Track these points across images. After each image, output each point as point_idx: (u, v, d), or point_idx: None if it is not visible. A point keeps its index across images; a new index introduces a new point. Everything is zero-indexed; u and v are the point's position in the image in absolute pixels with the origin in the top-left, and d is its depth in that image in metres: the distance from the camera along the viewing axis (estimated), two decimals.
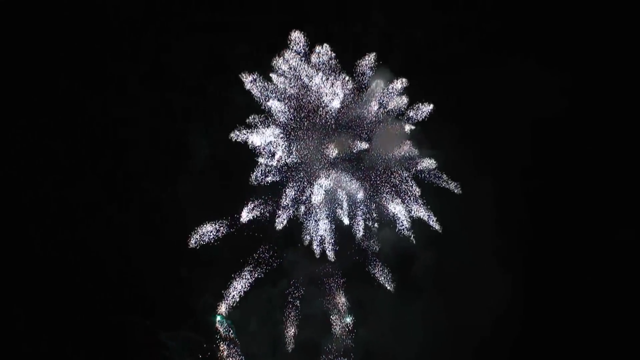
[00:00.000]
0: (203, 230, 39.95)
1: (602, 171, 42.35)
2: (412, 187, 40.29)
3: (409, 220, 40.31)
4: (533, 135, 42.38)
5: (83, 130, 41.65)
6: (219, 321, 40.98)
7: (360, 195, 39.64)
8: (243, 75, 39.70)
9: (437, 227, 40.60)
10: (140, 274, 40.71)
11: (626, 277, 41.55)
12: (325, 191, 39.09)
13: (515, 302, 41.10)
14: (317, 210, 39.91)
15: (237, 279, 40.57)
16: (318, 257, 40.16)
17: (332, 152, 39.15)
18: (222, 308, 40.74)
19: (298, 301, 41.10)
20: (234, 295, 40.53)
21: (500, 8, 42.68)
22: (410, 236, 40.47)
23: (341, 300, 41.21)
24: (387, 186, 40.53)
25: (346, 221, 39.62)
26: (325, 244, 40.14)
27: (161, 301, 40.96)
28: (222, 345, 40.98)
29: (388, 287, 40.86)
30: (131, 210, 41.75)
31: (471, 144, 41.69)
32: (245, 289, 40.61)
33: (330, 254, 40.20)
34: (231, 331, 41.06)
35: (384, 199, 40.46)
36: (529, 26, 43.01)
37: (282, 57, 39.62)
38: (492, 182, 41.26)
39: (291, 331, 40.77)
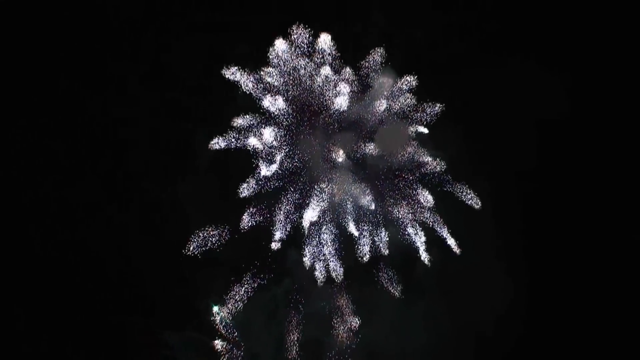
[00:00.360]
0: (203, 235, 39.87)
1: (605, 172, 42.27)
2: (422, 195, 39.95)
3: (421, 237, 40.11)
4: (536, 136, 42.20)
5: (83, 130, 41.67)
6: (215, 311, 40.69)
7: (368, 202, 38.89)
8: (232, 71, 39.66)
9: (454, 245, 40.25)
10: (140, 274, 40.66)
11: (628, 277, 41.51)
12: (323, 204, 38.80)
13: (518, 303, 41.00)
14: (318, 228, 39.41)
15: (239, 285, 40.45)
16: (321, 284, 39.73)
17: (338, 155, 38.92)
18: (224, 312, 40.64)
19: (301, 304, 40.96)
20: (236, 301, 40.42)
21: (500, 8, 42.62)
22: (422, 255, 40.27)
23: (344, 302, 41.01)
24: (395, 193, 40.06)
25: (355, 232, 39.11)
26: (330, 266, 39.61)
27: (164, 301, 40.88)
28: (219, 343, 40.80)
29: (394, 292, 40.64)
30: (131, 210, 41.68)
31: (474, 144, 41.43)
32: (247, 295, 40.48)
33: (338, 276, 39.68)
34: (236, 333, 40.94)
35: (392, 208, 39.96)
36: (529, 26, 42.90)
37: (281, 50, 39.62)
38: (495, 183, 41.06)
39: (295, 331, 40.63)
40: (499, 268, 41.18)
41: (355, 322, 40.89)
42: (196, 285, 40.96)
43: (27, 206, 40.79)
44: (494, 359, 41.37)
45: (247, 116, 39.71)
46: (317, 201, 38.48)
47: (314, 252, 39.44)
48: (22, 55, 41.02)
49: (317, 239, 39.43)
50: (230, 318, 40.61)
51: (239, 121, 39.49)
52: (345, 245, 39.92)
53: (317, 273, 39.51)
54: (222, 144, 39.50)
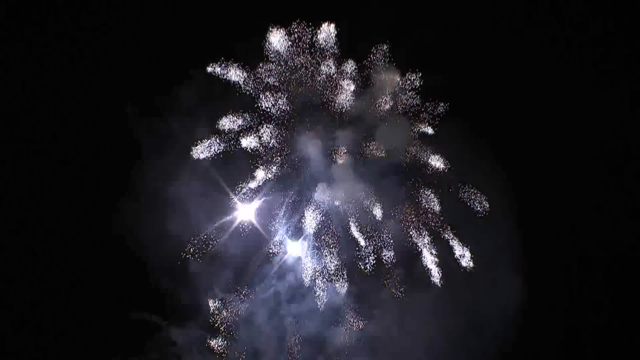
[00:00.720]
0: (204, 237, 39.96)
1: (612, 172, 41.98)
2: (425, 195, 39.67)
3: (425, 237, 39.93)
4: (540, 133, 41.70)
5: (84, 130, 41.52)
6: (216, 307, 40.93)
7: (372, 204, 38.89)
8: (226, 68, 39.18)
9: (468, 263, 40.09)
10: (142, 272, 40.67)
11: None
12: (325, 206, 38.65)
13: (524, 301, 40.57)
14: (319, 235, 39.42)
15: (240, 285, 40.66)
16: (322, 308, 39.84)
17: (340, 155, 38.59)
18: (226, 311, 40.86)
19: (303, 300, 41.09)
20: (238, 301, 40.68)
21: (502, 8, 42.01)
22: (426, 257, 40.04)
23: (347, 300, 41.09)
24: (398, 193, 39.85)
25: (362, 242, 39.17)
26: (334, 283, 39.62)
27: (167, 299, 41.04)
28: (221, 340, 41.01)
29: (396, 293, 40.62)
30: (134, 207, 41.56)
31: (478, 142, 40.31)
32: (249, 294, 40.71)
33: (343, 289, 39.85)
34: (237, 330, 41.19)
35: (395, 208, 39.74)
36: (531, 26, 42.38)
37: (278, 42, 39.13)
38: (500, 184, 40.56)
39: (297, 327, 40.88)
40: (505, 265, 40.81)
41: (358, 323, 41.01)
42: (199, 283, 41.07)
43: (27, 205, 40.63)
44: (497, 357, 41.36)
45: (246, 115, 39.55)
46: (317, 205, 38.51)
47: (315, 266, 39.58)
48: (22, 55, 40.73)
49: (317, 250, 39.54)
50: (232, 316, 40.85)
51: (235, 122, 39.28)
52: (346, 241, 40.11)
53: (317, 297, 39.70)
54: (209, 152, 39.41)
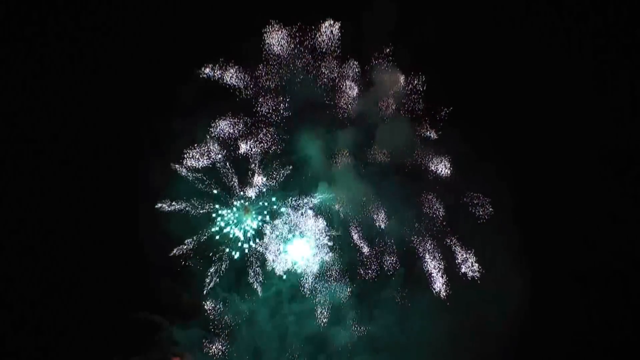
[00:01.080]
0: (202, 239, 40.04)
1: (616, 174, 41.91)
2: (427, 198, 39.60)
3: (427, 242, 39.98)
4: (544, 137, 41.49)
5: (83, 129, 41.36)
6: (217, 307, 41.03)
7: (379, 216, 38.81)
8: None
9: (471, 268, 39.98)
10: (145, 271, 40.69)
11: None
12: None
13: (525, 300, 40.56)
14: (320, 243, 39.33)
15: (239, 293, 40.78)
16: (323, 325, 39.86)
17: (341, 158, 38.53)
18: (226, 317, 40.99)
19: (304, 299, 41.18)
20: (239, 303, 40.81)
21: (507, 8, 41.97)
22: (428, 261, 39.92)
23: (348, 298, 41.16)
24: (399, 196, 39.64)
25: (365, 249, 39.13)
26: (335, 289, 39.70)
27: (169, 298, 41.07)
28: (222, 339, 41.13)
29: (397, 297, 40.74)
30: (135, 206, 41.53)
31: (482, 146, 40.15)
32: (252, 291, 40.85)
33: (344, 293, 39.86)
34: (237, 334, 41.31)
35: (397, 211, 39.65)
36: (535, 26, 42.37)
37: (277, 42, 38.99)
38: (504, 186, 40.47)
39: (298, 325, 40.96)
40: (508, 268, 40.76)
41: (359, 330, 41.16)
42: (201, 283, 41.04)
43: (27, 204, 40.53)
44: (498, 356, 41.41)
45: (247, 119, 39.52)
46: (318, 207, 38.52)
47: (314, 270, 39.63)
48: (21, 54, 40.50)
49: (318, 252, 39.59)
50: (233, 317, 41.00)
51: (234, 126, 39.26)
52: (347, 244, 40.19)
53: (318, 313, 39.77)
54: (208, 156, 39.43)
